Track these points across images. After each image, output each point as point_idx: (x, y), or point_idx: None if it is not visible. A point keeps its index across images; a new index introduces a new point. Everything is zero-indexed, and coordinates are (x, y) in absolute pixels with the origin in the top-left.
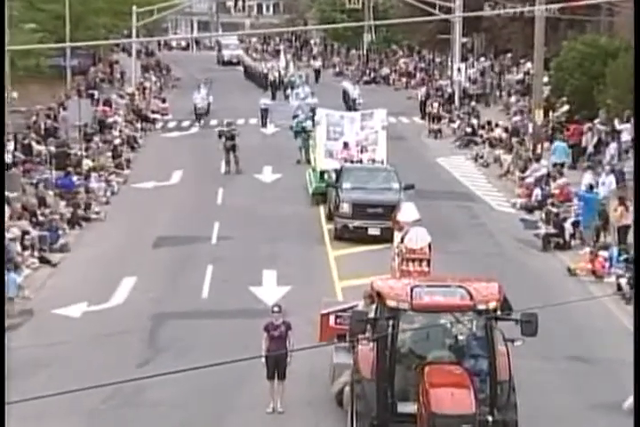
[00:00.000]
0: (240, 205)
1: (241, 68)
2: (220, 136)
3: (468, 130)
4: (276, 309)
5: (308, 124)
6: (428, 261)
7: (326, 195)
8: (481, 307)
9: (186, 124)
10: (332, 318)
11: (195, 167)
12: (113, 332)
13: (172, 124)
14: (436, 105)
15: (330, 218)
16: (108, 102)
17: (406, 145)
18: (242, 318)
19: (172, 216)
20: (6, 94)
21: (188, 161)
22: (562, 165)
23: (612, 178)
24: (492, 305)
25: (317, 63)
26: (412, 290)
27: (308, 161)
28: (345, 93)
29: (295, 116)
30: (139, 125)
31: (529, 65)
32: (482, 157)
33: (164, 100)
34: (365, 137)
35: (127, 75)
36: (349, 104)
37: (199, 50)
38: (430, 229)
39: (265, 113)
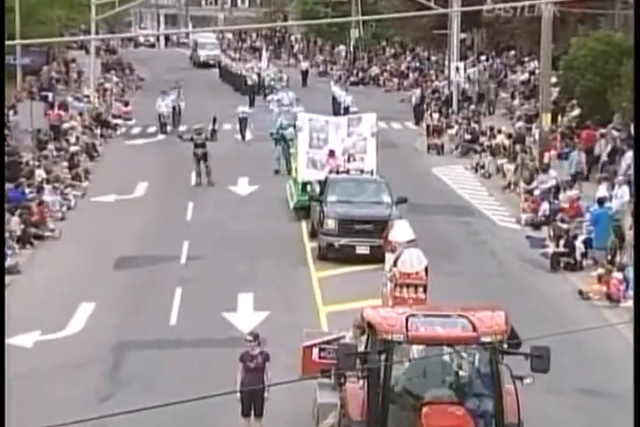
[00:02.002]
0: (212, 220)
1: (216, 70)
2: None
3: (467, 137)
4: (249, 337)
5: (289, 131)
6: (425, 287)
7: (309, 209)
8: (485, 339)
9: (151, 130)
10: (315, 350)
11: (161, 179)
12: (70, 364)
13: (135, 131)
14: (436, 116)
15: (313, 235)
16: (63, 106)
17: (398, 153)
18: (214, 348)
19: (136, 234)
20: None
21: (154, 172)
22: (575, 175)
23: (625, 189)
24: (498, 337)
25: (305, 64)
26: (407, 320)
27: (290, 171)
28: (334, 100)
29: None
30: (98, 131)
31: (535, 64)
32: (483, 167)
33: (126, 104)
34: (353, 144)
35: (85, 75)
36: (340, 113)
37: (167, 46)
38: (425, 247)
39: (244, 122)
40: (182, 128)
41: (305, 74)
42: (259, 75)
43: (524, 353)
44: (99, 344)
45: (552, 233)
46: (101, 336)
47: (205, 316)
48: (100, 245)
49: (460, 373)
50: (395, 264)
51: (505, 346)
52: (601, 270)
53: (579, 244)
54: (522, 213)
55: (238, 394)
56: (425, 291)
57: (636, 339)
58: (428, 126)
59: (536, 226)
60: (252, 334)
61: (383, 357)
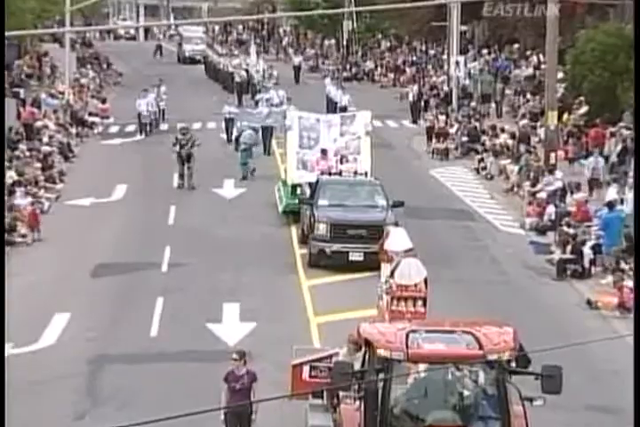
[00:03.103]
0: (196, 225)
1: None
2: (177, 151)
3: (465, 138)
4: (235, 355)
5: (246, 133)
6: (425, 300)
7: (299, 213)
8: (492, 357)
9: (130, 129)
10: (305, 369)
11: (141, 181)
12: (43, 379)
13: (113, 129)
14: (442, 118)
15: (303, 241)
16: (36, 103)
17: (394, 154)
18: (198, 362)
19: (115, 239)
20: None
21: (133, 173)
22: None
23: None
24: (506, 355)
25: (297, 59)
26: (407, 336)
27: (244, 177)
28: (329, 99)
29: (263, 127)
30: (73, 130)
31: (540, 58)
32: (484, 168)
33: (104, 101)
34: (346, 144)
35: (59, 69)
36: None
37: (147, 39)
38: (422, 254)
39: (230, 124)
40: (164, 126)
41: (297, 70)
42: (247, 71)
43: (534, 373)
44: (74, 358)
45: (558, 238)
46: (77, 349)
47: (188, 327)
48: (75, 251)
49: (465, 393)
50: (391, 275)
51: (513, 365)
52: (612, 278)
53: (587, 250)
54: (526, 217)
55: (222, 416)
56: (425, 304)
57: (635, 346)
58: (430, 128)
59: (541, 231)
60: (239, 353)
61: (381, 376)
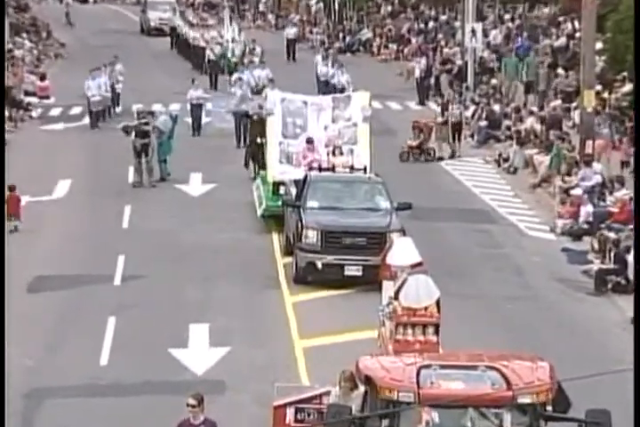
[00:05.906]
0: (156, 229)
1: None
2: (125, 131)
3: (483, 123)
4: (192, 401)
5: (162, 120)
6: (437, 327)
7: (283, 218)
8: (524, 399)
9: (75, 111)
10: (289, 411)
11: (89, 175)
12: None
13: (55, 112)
14: (457, 112)
15: (288, 252)
16: None
17: (398, 143)
18: (158, 395)
19: (57, 247)
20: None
21: (79, 166)
22: None
23: None
24: (541, 397)
25: (291, 30)
26: (418, 373)
27: (163, 179)
28: (322, 80)
29: (236, 114)
30: (6, 113)
31: (575, 25)
32: (506, 160)
33: (43, 77)
34: (339, 133)
35: None
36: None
37: (96, 2)
38: (430, 264)
39: (197, 112)
40: (118, 109)
41: (292, 43)
42: (222, 45)
43: (577, 419)
44: (7, 391)
45: (597, 245)
46: (10, 380)
47: (147, 353)
48: (9, 261)
49: None
50: (396, 297)
51: (549, 408)
52: None
53: (631, 258)
54: (557, 218)
55: None
56: (437, 332)
57: (636, 322)
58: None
59: (576, 235)
60: (196, 397)
61: (387, 422)
